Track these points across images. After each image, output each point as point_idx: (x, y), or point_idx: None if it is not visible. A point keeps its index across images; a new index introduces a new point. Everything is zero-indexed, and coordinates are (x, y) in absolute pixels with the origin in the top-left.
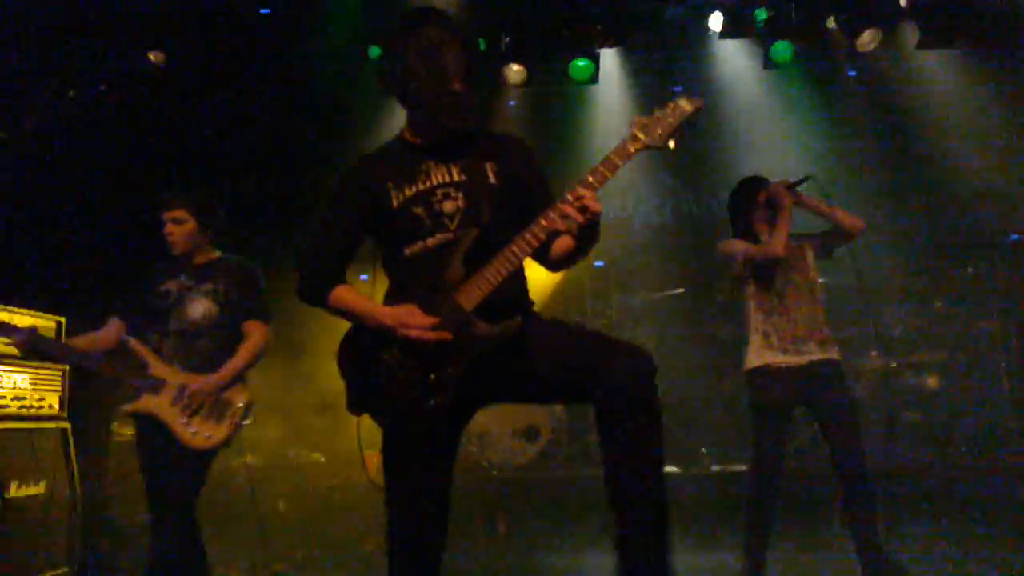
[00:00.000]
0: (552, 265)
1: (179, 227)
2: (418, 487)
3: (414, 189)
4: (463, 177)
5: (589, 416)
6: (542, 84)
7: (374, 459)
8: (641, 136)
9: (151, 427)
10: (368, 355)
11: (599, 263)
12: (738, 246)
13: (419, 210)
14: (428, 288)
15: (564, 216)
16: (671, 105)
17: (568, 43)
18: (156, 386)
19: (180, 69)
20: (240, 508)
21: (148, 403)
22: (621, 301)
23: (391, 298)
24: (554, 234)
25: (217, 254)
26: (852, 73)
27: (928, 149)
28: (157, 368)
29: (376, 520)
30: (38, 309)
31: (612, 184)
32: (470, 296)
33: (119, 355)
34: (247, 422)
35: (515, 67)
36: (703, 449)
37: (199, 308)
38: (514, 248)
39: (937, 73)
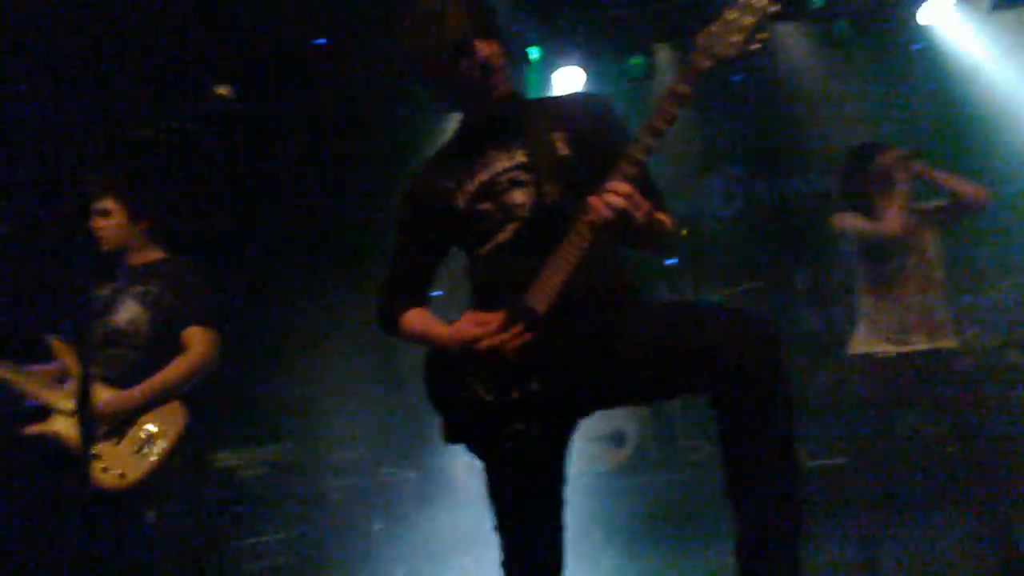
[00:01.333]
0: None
1: (106, 220)
2: (527, 518)
3: (476, 182)
4: (528, 156)
5: (675, 424)
6: (597, 84)
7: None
8: (712, 48)
9: (55, 458)
10: (450, 378)
11: (671, 261)
12: (850, 221)
13: (486, 205)
14: (501, 290)
15: (595, 211)
16: (739, 3)
17: (622, 42)
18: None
19: (248, 104)
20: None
21: (56, 425)
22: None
23: (469, 308)
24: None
25: (157, 255)
26: (917, 46)
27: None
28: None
29: (469, 531)
30: None
31: (676, 182)
32: (541, 296)
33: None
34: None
35: (571, 70)
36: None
37: (126, 314)
38: (573, 236)
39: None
